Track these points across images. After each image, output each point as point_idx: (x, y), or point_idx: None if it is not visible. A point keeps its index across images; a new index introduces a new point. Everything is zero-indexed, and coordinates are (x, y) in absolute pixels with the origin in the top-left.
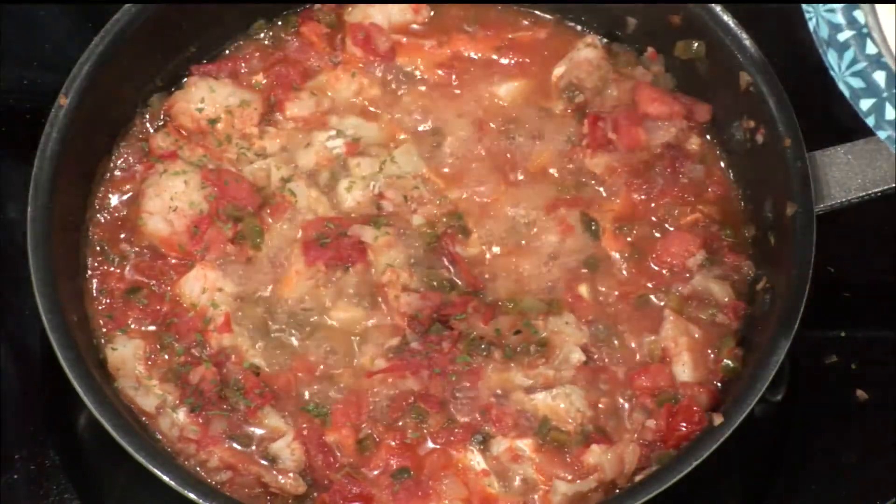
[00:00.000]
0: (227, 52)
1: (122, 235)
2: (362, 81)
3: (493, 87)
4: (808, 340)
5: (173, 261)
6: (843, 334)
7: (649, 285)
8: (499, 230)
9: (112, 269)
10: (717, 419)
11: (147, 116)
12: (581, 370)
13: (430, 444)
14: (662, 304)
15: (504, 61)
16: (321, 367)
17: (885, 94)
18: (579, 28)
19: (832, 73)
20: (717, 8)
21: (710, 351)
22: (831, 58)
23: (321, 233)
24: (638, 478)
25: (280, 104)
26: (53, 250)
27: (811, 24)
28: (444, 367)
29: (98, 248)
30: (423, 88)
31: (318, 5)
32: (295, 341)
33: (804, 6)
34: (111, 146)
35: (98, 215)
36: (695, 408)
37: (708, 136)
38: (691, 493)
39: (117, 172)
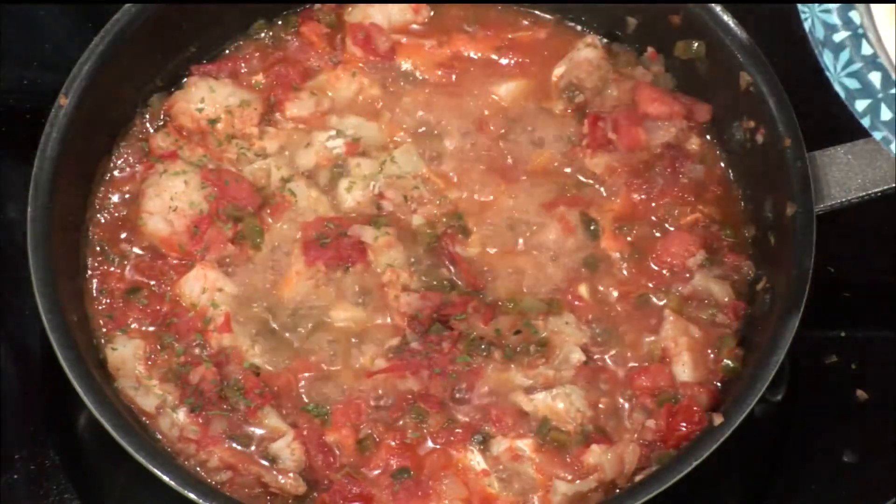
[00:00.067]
0: (227, 52)
1: (122, 235)
2: (362, 81)
3: (493, 87)
4: (808, 340)
5: (173, 261)
6: (843, 334)
7: (649, 285)
8: (499, 230)
9: (112, 269)
10: (717, 419)
11: (147, 116)
12: (581, 370)
13: (430, 444)
14: (662, 304)
15: (504, 61)
16: (321, 367)
17: (880, 95)
18: (579, 28)
19: (827, 73)
20: (717, 8)
21: (710, 351)
22: (827, 58)
23: (321, 233)
24: (638, 478)
25: (280, 104)
26: (53, 250)
27: (807, 25)
28: (444, 367)
29: (98, 248)
30: (423, 88)
31: (318, 5)
32: (295, 341)
33: (800, 7)
34: (111, 146)
35: (98, 215)
36: (695, 408)
37: (708, 136)
38: (691, 493)
39: (117, 172)
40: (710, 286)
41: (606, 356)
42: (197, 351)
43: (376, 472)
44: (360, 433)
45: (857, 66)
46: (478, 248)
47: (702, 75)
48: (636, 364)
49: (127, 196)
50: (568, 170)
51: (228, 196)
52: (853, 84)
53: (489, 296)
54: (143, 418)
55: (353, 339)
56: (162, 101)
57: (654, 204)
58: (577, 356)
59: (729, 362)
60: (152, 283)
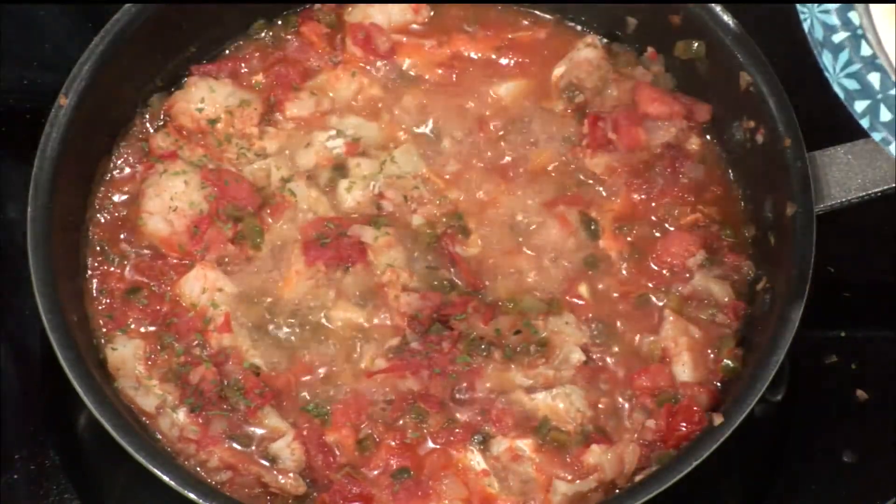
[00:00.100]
0: (227, 52)
1: (122, 235)
2: (362, 81)
3: (493, 86)
4: (808, 340)
5: (173, 261)
6: (843, 334)
7: (649, 285)
8: (499, 230)
9: (112, 269)
10: (717, 419)
11: (147, 116)
12: (581, 370)
13: (430, 444)
14: (662, 304)
15: (504, 61)
16: (321, 367)
17: (879, 96)
18: (579, 28)
19: (827, 74)
20: (717, 8)
21: (710, 351)
22: (826, 59)
23: (321, 233)
24: (638, 478)
25: (280, 104)
26: (53, 250)
27: (806, 26)
28: (444, 367)
29: (98, 248)
30: (423, 88)
31: (318, 5)
32: (295, 341)
33: (799, 7)
34: (111, 146)
35: (98, 215)
36: (695, 408)
37: (708, 136)
38: (691, 493)
39: (117, 172)
40: (710, 286)
41: (606, 356)
42: (197, 351)
43: (376, 472)
44: (360, 433)
45: (856, 66)
46: (478, 248)
47: (702, 75)
48: (636, 364)
49: (127, 196)
50: (568, 170)
51: (228, 196)
52: (852, 85)
53: (489, 296)
54: (143, 418)
55: (353, 339)
56: (162, 101)
57: (654, 204)
58: (577, 356)
59: (729, 362)
60: (152, 283)
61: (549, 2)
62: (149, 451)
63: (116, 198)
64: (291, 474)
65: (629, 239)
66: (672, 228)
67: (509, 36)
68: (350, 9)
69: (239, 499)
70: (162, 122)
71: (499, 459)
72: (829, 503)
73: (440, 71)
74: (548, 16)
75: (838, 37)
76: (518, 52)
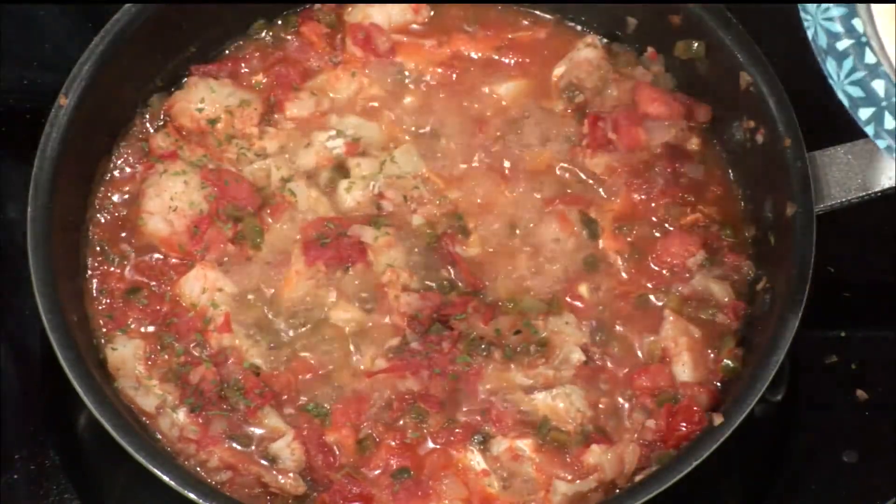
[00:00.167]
0: (227, 52)
1: (122, 235)
2: (362, 81)
3: (493, 86)
4: (808, 340)
5: (173, 261)
6: (843, 334)
7: (649, 285)
8: (499, 230)
9: (112, 269)
10: (717, 419)
11: (147, 116)
12: (581, 370)
13: (430, 444)
14: (662, 304)
15: (504, 61)
16: (321, 367)
17: (884, 104)
18: (579, 28)
19: (831, 81)
20: (717, 8)
21: (710, 351)
22: (830, 66)
23: (321, 233)
24: (638, 478)
25: (280, 104)
26: (53, 250)
27: (809, 33)
28: (444, 367)
29: (98, 248)
30: (423, 88)
31: (318, 5)
32: (295, 341)
33: (802, 15)
34: (111, 146)
35: (98, 215)
36: (695, 408)
37: (708, 136)
38: (691, 493)
39: (117, 172)
40: (710, 286)
41: (606, 356)
42: (197, 351)
43: (376, 472)
44: (360, 433)
45: (860, 74)
46: (478, 248)
47: (702, 75)
48: (636, 364)
49: (127, 196)
50: (568, 170)
51: (228, 196)
52: (857, 92)
53: (489, 296)
54: (143, 418)
55: (353, 339)
56: (162, 101)
57: (654, 204)
58: (577, 356)
59: (729, 362)
60: (152, 283)
61: (549, 2)
62: (149, 451)
63: (116, 198)
64: (291, 474)
65: (629, 239)
66: (672, 228)
67: (509, 36)
68: (350, 9)
69: (239, 499)
70: (162, 122)
71: (499, 459)
72: (828, 503)
73: (440, 71)
74: (548, 16)
75: (842, 44)
76: (518, 52)
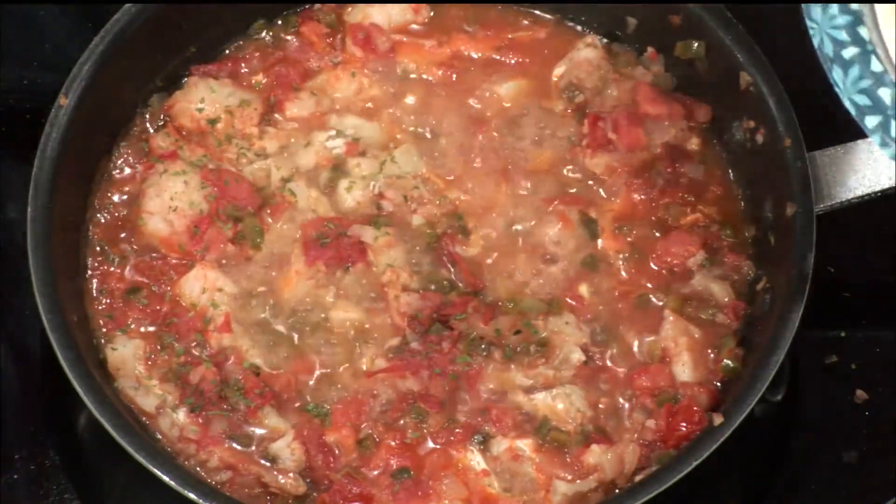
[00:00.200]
0: (227, 52)
1: (122, 235)
2: (362, 81)
3: (494, 86)
4: (808, 340)
5: (173, 261)
6: (843, 334)
7: (649, 285)
8: (499, 230)
9: (112, 269)
10: (717, 419)
11: (147, 116)
12: (581, 370)
13: (430, 444)
14: (662, 304)
15: (504, 61)
16: (321, 367)
17: (890, 112)
18: (579, 28)
19: (837, 90)
20: (717, 8)
21: (710, 351)
22: (836, 75)
23: (321, 233)
24: (638, 478)
25: (280, 104)
26: (53, 250)
27: (815, 41)
28: (444, 367)
29: (98, 248)
30: (423, 88)
31: (318, 5)
32: (295, 341)
33: (808, 22)
34: (111, 146)
35: (98, 215)
36: (695, 408)
37: (708, 136)
38: (691, 493)
39: (117, 172)
40: (710, 286)
41: (606, 356)
42: (197, 351)
43: (376, 472)
44: (360, 433)
45: (866, 82)
46: (478, 248)
47: (702, 75)
48: (636, 364)
49: (127, 196)
50: (568, 170)
51: (228, 196)
52: (863, 101)
53: (489, 296)
54: (143, 418)
55: (353, 339)
56: (162, 101)
57: (654, 204)
58: (577, 356)
59: (729, 362)
60: (152, 283)
61: (549, 2)
62: (149, 451)
63: (116, 198)
64: (291, 474)
65: (629, 239)
66: (672, 228)
67: (509, 36)
68: (350, 9)
69: (239, 499)
70: (162, 122)
71: (499, 459)
72: (828, 503)
73: (440, 71)
74: (548, 16)
75: (848, 52)
76: (518, 52)
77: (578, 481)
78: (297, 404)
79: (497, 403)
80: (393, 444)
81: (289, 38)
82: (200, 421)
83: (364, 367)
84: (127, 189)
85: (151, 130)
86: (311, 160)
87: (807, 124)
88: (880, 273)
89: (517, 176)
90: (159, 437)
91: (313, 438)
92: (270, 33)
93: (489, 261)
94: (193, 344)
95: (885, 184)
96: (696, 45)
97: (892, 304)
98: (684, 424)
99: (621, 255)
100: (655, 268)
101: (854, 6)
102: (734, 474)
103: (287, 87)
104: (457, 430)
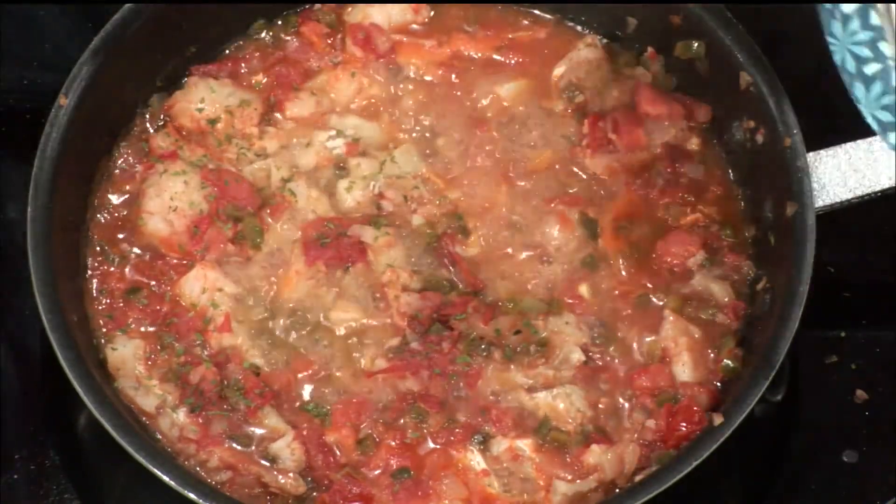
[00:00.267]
0: (227, 52)
1: (122, 235)
2: (362, 81)
3: (494, 86)
4: (808, 340)
5: (173, 261)
6: (843, 334)
7: (649, 285)
8: (499, 230)
9: (112, 269)
10: (717, 419)
11: (147, 116)
12: (581, 370)
13: (430, 444)
14: (662, 304)
15: (504, 61)
16: (321, 367)
17: None
18: (579, 28)
19: (859, 106)
20: (717, 8)
21: (710, 351)
22: (858, 91)
23: (321, 233)
24: (638, 478)
25: (280, 104)
26: (53, 250)
27: (837, 58)
28: (444, 367)
29: (98, 248)
30: (423, 88)
31: (318, 5)
32: (295, 341)
33: (829, 40)
34: (111, 146)
35: (98, 215)
36: (695, 408)
37: (708, 136)
38: (691, 493)
39: (117, 172)
40: (710, 286)
41: (606, 356)
42: (197, 351)
43: (376, 472)
44: (360, 433)
45: (889, 98)
46: (478, 248)
47: (702, 75)
48: (636, 364)
49: (127, 196)
50: (568, 170)
51: (228, 196)
52: (886, 117)
53: (489, 296)
54: (143, 418)
55: (353, 339)
56: (162, 101)
57: (654, 204)
58: (577, 356)
59: (729, 362)
60: (152, 283)
61: (549, 2)
62: (149, 451)
63: (116, 198)
64: (291, 474)
65: (629, 239)
66: (672, 228)
67: (509, 36)
68: (350, 9)
69: (239, 499)
70: (162, 122)
71: (499, 459)
72: (829, 503)
73: (440, 71)
74: (548, 16)
75: (870, 69)
76: (518, 52)
77: (578, 481)
78: (297, 404)
79: (497, 403)
80: (393, 444)
81: (289, 38)
82: (200, 421)
83: (364, 368)
84: (127, 189)
85: (151, 130)
86: (311, 160)
87: (807, 124)
88: (880, 273)
89: (517, 176)
90: (159, 437)
91: (313, 438)
92: (270, 33)
93: (489, 261)
94: (193, 344)
95: (885, 184)
96: (696, 45)
97: (892, 304)
98: (684, 424)
99: (621, 255)
100: (655, 268)
101: (874, 21)
102: (734, 474)
103: (287, 87)
104: (457, 430)
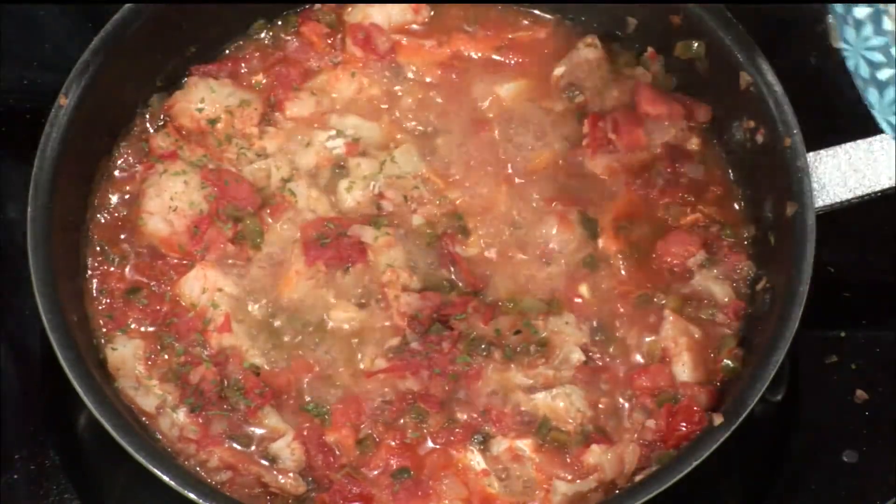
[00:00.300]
0: (227, 52)
1: (122, 235)
2: (362, 81)
3: (494, 86)
4: (808, 340)
5: (173, 261)
6: (843, 334)
7: (649, 285)
8: (499, 230)
9: (112, 269)
10: (717, 419)
11: (147, 116)
12: (581, 370)
13: (430, 444)
14: (662, 304)
15: (504, 61)
16: (321, 367)
17: None
18: (579, 28)
19: (873, 111)
20: (717, 8)
21: (710, 351)
22: (871, 96)
23: (321, 233)
24: (638, 478)
25: (280, 104)
26: (53, 250)
27: (850, 64)
28: (444, 367)
29: (98, 248)
30: (423, 88)
31: (318, 5)
32: (295, 341)
33: (843, 45)
34: (111, 146)
35: (98, 215)
36: (695, 408)
37: (708, 136)
38: (691, 493)
39: (117, 172)
40: (710, 286)
41: (606, 356)
42: (197, 351)
43: (376, 472)
44: (360, 433)
45: None
46: (478, 248)
47: (702, 75)
48: (636, 364)
49: (127, 196)
50: (568, 170)
51: (228, 196)
52: None
53: (489, 296)
54: (143, 418)
55: (353, 340)
56: (162, 101)
57: (654, 204)
58: (577, 356)
59: (729, 362)
60: (152, 283)
61: (549, 2)
62: (149, 451)
63: (116, 198)
64: (291, 474)
65: (629, 239)
66: (672, 228)
67: (509, 36)
68: (350, 9)
69: (239, 499)
70: (162, 122)
71: (499, 459)
72: (829, 503)
73: (440, 71)
74: (548, 16)
75: (883, 74)
76: (518, 52)
77: (578, 481)
78: (297, 404)
79: (497, 403)
80: (393, 444)
81: (289, 38)
82: (200, 421)
83: (364, 367)
84: (127, 189)
85: (151, 130)
86: (311, 160)
87: (807, 124)
88: (880, 273)
89: (517, 176)
90: (159, 437)
91: (313, 438)
92: (270, 33)
93: (489, 261)
94: (193, 344)
95: (885, 184)
96: (696, 45)
97: (892, 304)
98: (684, 424)
99: (621, 255)
100: (655, 268)
101: (887, 27)
102: (734, 474)
103: (287, 87)
104: (457, 430)
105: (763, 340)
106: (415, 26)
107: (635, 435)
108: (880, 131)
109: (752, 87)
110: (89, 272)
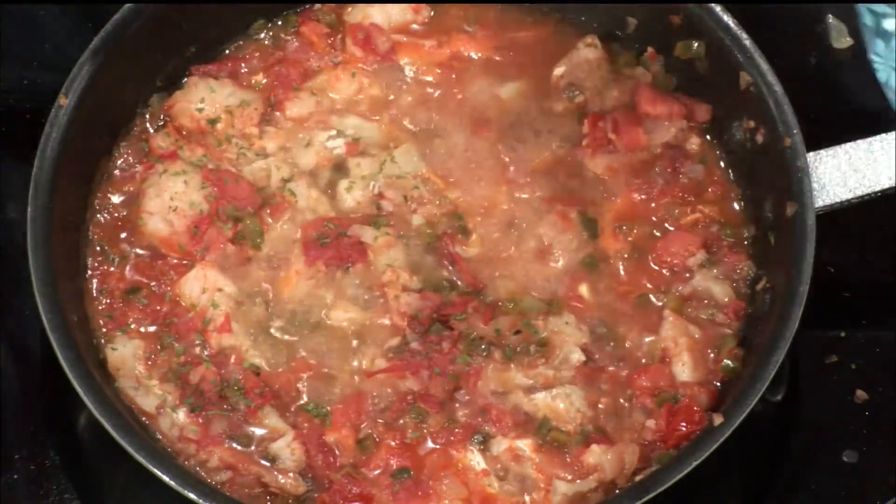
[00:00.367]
0: (227, 52)
1: (122, 235)
2: (362, 81)
3: (493, 86)
4: (808, 340)
5: (173, 261)
6: (843, 334)
7: (649, 285)
8: (499, 230)
9: (112, 269)
10: (717, 419)
11: (147, 116)
12: (581, 370)
13: (430, 444)
14: (662, 304)
15: (504, 61)
16: (321, 367)
17: None
18: (579, 28)
19: None
20: (717, 8)
21: (710, 351)
22: None
23: (321, 233)
24: (638, 478)
25: (280, 104)
26: (53, 250)
27: (882, 76)
28: (444, 367)
29: (98, 248)
30: (423, 88)
31: (318, 5)
32: (295, 341)
33: (874, 58)
34: (111, 146)
35: (98, 215)
36: (695, 408)
37: (708, 136)
38: (691, 493)
39: (117, 172)
40: (710, 286)
41: (606, 356)
42: (197, 351)
43: (376, 472)
44: (360, 433)
45: None
46: (478, 248)
47: (702, 75)
48: (636, 364)
49: (127, 196)
50: (568, 170)
51: (228, 196)
52: None
53: (489, 296)
54: (143, 418)
55: (353, 340)
56: (162, 101)
57: (654, 204)
58: (577, 356)
59: (729, 362)
60: (152, 283)
61: (549, 2)
62: (149, 451)
63: (116, 198)
64: (291, 474)
65: (629, 239)
66: (672, 228)
67: (509, 36)
68: (350, 9)
69: (239, 499)
70: (162, 122)
71: (499, 459)
72: (828, 503)
73: (440, 71)
74: (548, 16)
75: None
76: (518, 52)
77: (578, 481)
78: (297, 404)
79: (497, 403)
80: (393, 444)
81: (289, 38)
82: (200, 421)
83: (364, 368)
84: (127, 189)
85: (151, 130)
86: (311, 160)
87: (807, 124)
88: (880, 273)
89: (517, 176)
90: (159, 437)
91: (313, 438)
92: (270, 33)
93: (489, 261)
94: (193, 344)
95: (885, 184)
96: (696, 45)
97: (892, 304)
98: (684, 424)
99: (621, 255)
100: (655, 268)
101: None
102: (734, 474)
103: (287, 87)
104: (457, 430)
105: (763, 340)
106: (415, 26)
107: (635, 435)
108: (881, 131)
109: (752, 87)
110: (89, 272)
